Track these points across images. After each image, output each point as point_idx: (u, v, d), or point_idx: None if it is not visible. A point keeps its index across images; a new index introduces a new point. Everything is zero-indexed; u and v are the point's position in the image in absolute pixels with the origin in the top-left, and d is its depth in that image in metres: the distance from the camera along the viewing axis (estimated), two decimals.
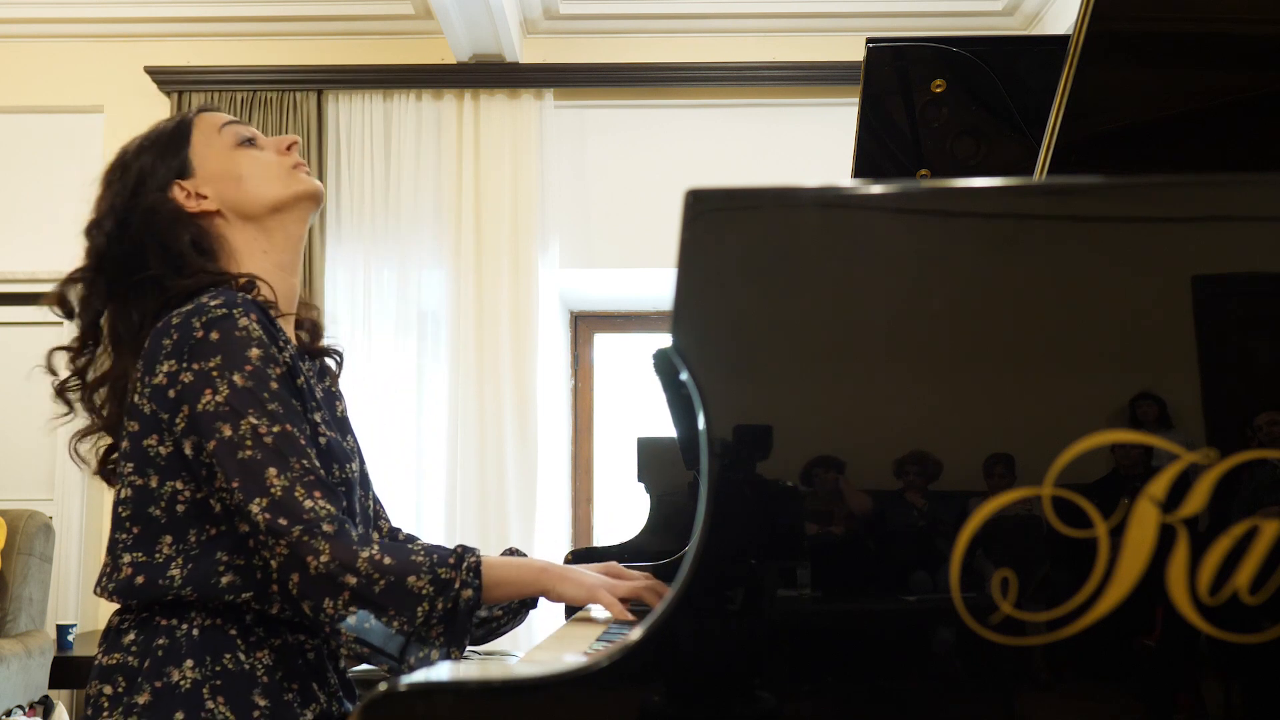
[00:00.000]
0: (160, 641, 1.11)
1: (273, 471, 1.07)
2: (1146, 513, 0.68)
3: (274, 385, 1.12)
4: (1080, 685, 0.69)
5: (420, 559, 1.07)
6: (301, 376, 1.19)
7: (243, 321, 1.12)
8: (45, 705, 3.16)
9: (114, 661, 1.13)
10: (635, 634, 0.71)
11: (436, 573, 1.07)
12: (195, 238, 1.23)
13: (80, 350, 1.28)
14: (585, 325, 4.28)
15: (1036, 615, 0.68)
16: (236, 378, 1.09)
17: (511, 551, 1.46)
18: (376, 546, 1.07)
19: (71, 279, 1.27)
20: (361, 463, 1.32)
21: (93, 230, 1.26)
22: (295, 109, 3.90)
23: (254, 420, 1.08)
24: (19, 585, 3.22)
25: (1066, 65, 1.07)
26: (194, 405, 1.10)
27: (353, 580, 1.04)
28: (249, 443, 1.08)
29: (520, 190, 3.83)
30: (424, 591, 1.06)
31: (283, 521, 1.05)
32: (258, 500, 1.06)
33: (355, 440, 1.34)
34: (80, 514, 3.72)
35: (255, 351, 1.11)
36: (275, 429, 1.09)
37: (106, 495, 3.84)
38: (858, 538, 0.71)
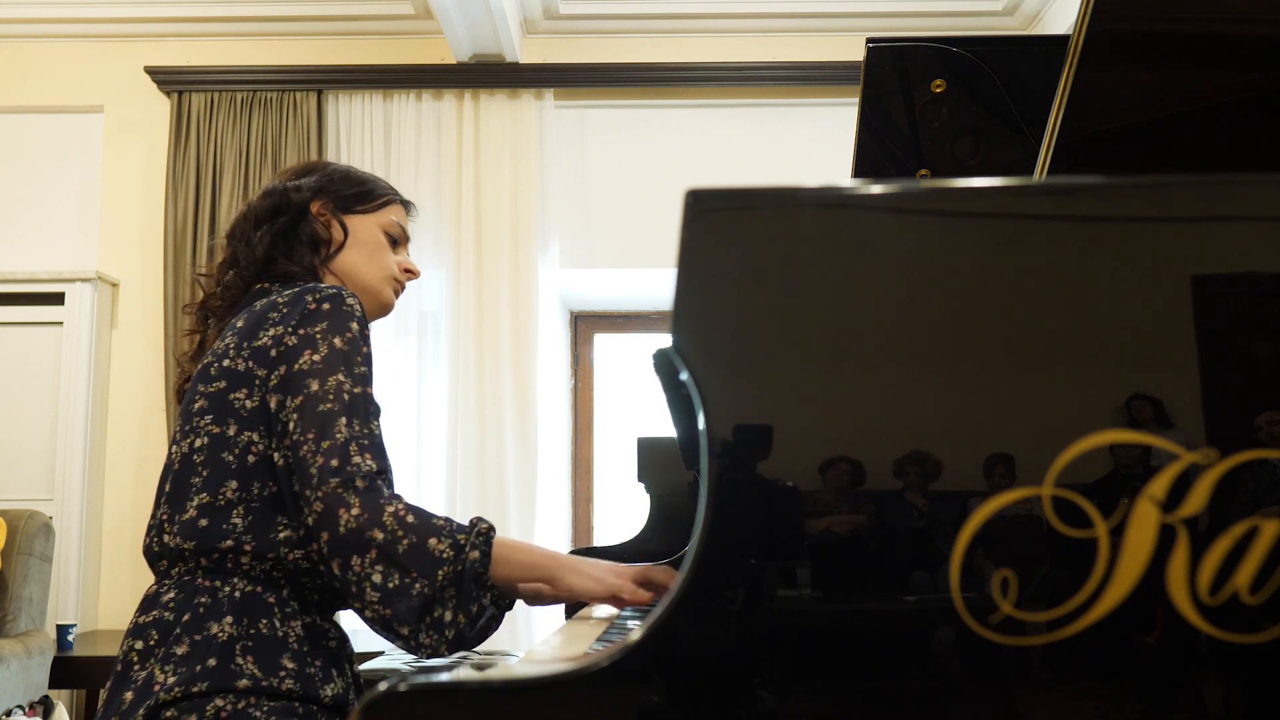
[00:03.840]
0: (202, 600, 1.17)
1: (342, 422, 1.16)
2: (1146, 513, 0.68)
3: (363, 355, 1.23)
4: (1080, 685, 0.69)
5: (440, 522, 1.13)
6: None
7: (350, 301, 1.25)
8: (45, 705, 3.16)
9: (149, 619, 1.19)
10: (635, 634, 0.71)
11: (455, 537, 1.12)
12: (313, 237, 1.40)
13: (221, 272, 1.41)
14: (585, 325, 4.28)
15: (1036, 615, 0.68)
16: (337, 340, 1.21)
17: None
18: (402, 503, 1.13)
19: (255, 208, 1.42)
20: None
21: (283, 185, 1.43)
22: (295, 109, 3.90)
23: (341, 378, 1.18)
24: (19, 585, 3.22)
25: (1066, 65, 1.07)
26: (292, 364, 1.20)
27: (380, 536, 1.10)
28: (331, 397, 1.17)
29: (520, 190, 3.83)
30: (444, 555, 1.11)
31: (335, 463, 1.13)
32: (322, 444, 1.14)
33: None
34: (80, 514, 3.72)
35: (355, 325, 1.24)
36: (357, 390, 1.19)
37: (106, 495, 3.84)
38: (858, 538, 0.71)
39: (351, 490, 1.12)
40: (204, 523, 1.19)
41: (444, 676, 0.72)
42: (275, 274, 1.35)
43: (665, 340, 0.74)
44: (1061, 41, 1.32)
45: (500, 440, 3.67)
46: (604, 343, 4.29)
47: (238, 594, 1.18)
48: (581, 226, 3.95)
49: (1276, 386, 0.70)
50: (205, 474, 1.21)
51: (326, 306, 1.23)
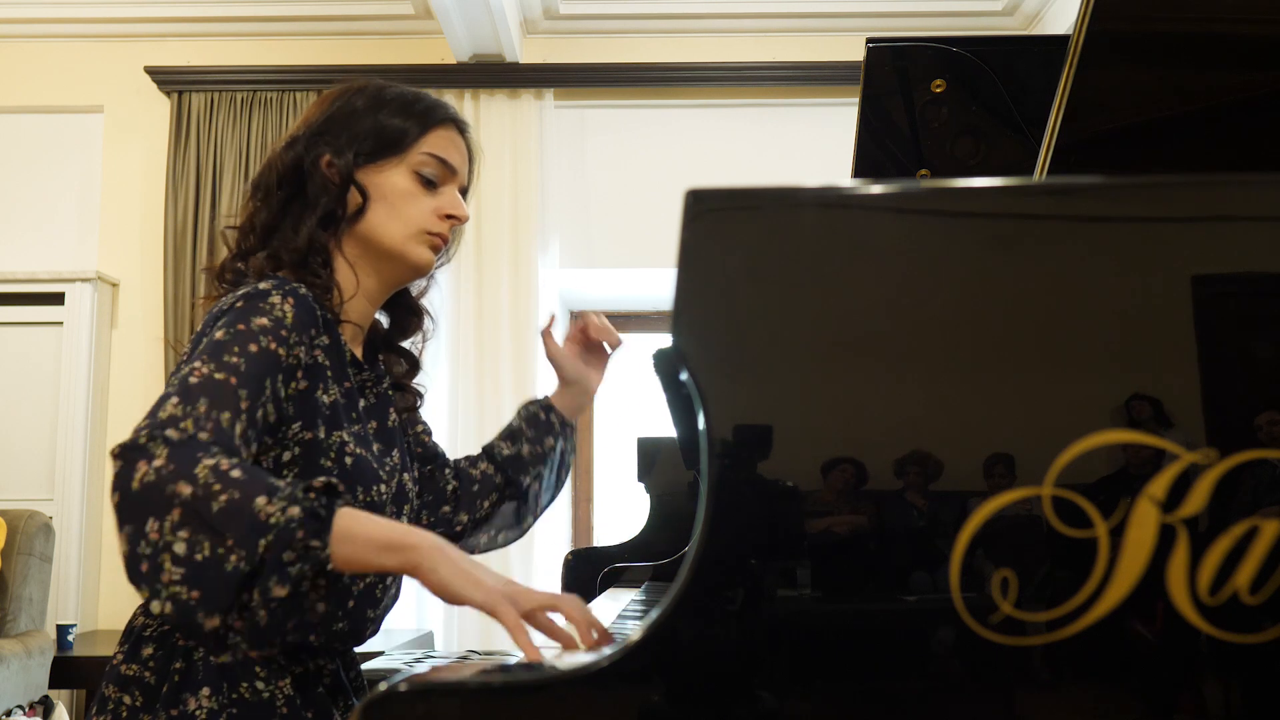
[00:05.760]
0: (177, 665, 1.06)
1: (173, 400, 0.92)
2: (1146, 513, 0.68)
3: (253, 348, 1.00)
4: (1080, 685, 0.69)
5: (281, 484, 0.87)
6: (328, 390, 1.10)
7: (274, 299, 1.05)
8: (45, 705, 3.16)
9: (132, 672, 1.08)
10: (635, 634, 0.71)
11: (296, 495, 0.85)
12: (327, 207, 1.17)
13: (242, 235, 1.21)
14: None
15: (1036, 615, 0.68)
16: (219, 333, 1.00)
17: (544, 409, 1.43)
18: (227, 460, 0.87)
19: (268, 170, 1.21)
20: (400, 480, 1.22)
21: (286, 150, 1.20)
22: (295, 109, 3.90)
23: (198, 364, 0.96)
24: (19, 585, 3.22)
25: (1066, 65, 1.07)
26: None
27: (186, 491, 0.84)
28: (175, 382, 0.95)
29: (520, 190, 3.83)
30: (273, 519, 0.83)
31: (144, 421, 0.89)
32: (140, 422, 0.90)
33: (403, 454, 1.24)
34: (80, 514, 3.72)
35: (261, 320, 1.02)
36: (217, 375, 0.95)
37: (107, 495, 3.84)
38: (858, 538, 0.71)
39: (160, 441, 0.87)
40: None
41: (444, 676, 0.72)
42: (276, 249, 1.16)
43: (665, 340, 0.74)
44: (1061, 41, 1.32)
45: None
46: None
47: (213, 656, 1.06)
48: (581, 226, 3.95)
49: (1276, 386, 0.70)
50: None
51: (240, 304, 1.04)
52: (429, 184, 1.21)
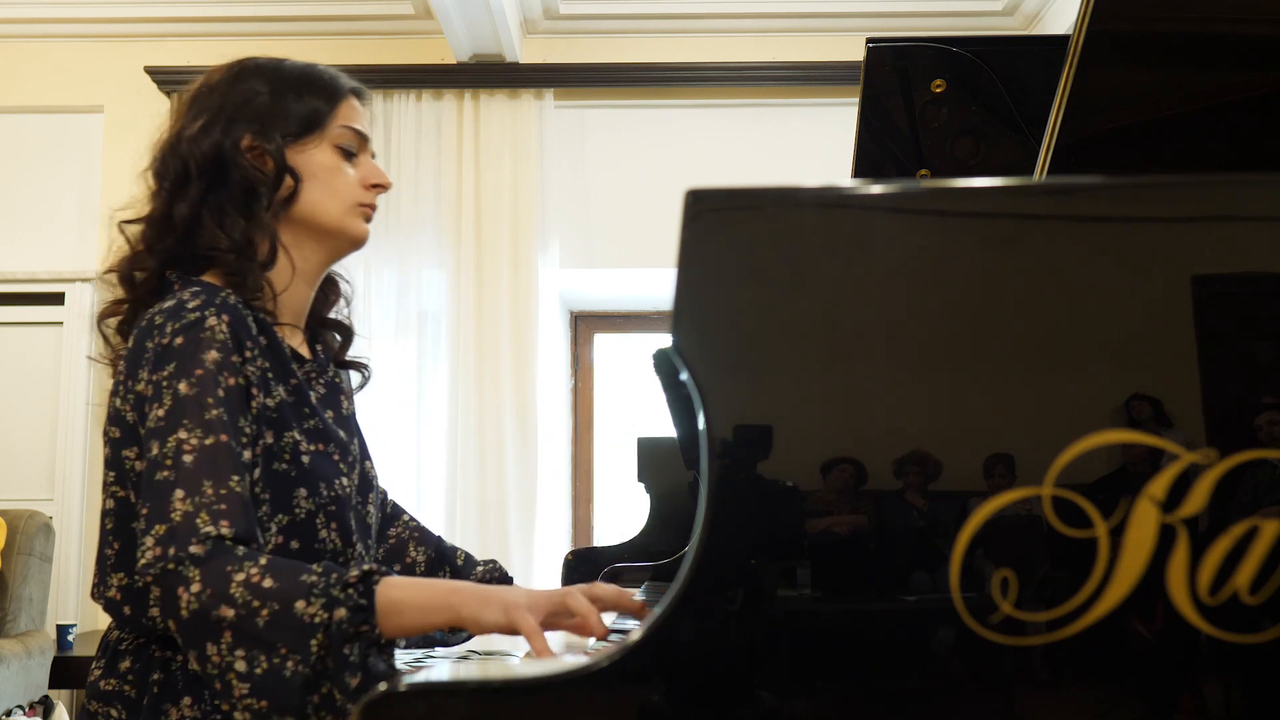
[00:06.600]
0: (155, 676, 1.07)
1: (179, 494, 0.96)
2: (1146, 513, 0.68)
3: (221, 393, 1.02)
4: (1080, 685, 0.69)
5: (313, 579, 0.93)
6: (271, 393, 1.10)
7: (210, 322, 1.05)
8: (45, 705, 3.16)
9: (111, 687, 1.08)
10: (635, 634, 0.71)
11: (331, 594, 0.92)
12: (254, 199, 1.15)
13: (150, 233, 1.18)
14: (585, 325, 4.28)
15: (1036, 615, 0.68)
16: (182, 385, 1.02)
17: (492, 569, 1.39)
18: (257, 566, 0.93)
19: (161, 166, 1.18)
20: (363, 470, 1.24)
21: (199, 137, 1.16)
22: None
23: (183, 435, 0.99)
24: (19, 585, 3.22)
25: (1066, 65, 1.07)
26: (145, 422, 1.04)
27: (229, 613, 0.91)
28: (169, 462, 0.98)
29: (520, 190, 3.83)
30: (317, 619, 0.91)
31: (171, 550, 0.94)
32: (156, 529, 0.96)
33: (360, 441, 1.26)
34: (80, 514, 3.72)
35: (213, 355, 1.04)
36: (208, 441, 0.99)
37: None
38: (858, 538, 0.71)
39: (189, 562, 0.93)
40: (128, 610, 1.08)
41: (444, 676, 0.73)
42: (197, 248, 1.14)
43: (665, 340, 0.74)
44: (1061, 41, 1.32)
45: (500, 440, 3.67)
46: (604, 343, 4.29)
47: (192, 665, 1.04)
48: (581, 226, 3.95)
49: (1276, 386, 0.71)
50: (118, 547, 1.10)
51: (179, 341, 1.03)
52: (349, 155, 1.22)
